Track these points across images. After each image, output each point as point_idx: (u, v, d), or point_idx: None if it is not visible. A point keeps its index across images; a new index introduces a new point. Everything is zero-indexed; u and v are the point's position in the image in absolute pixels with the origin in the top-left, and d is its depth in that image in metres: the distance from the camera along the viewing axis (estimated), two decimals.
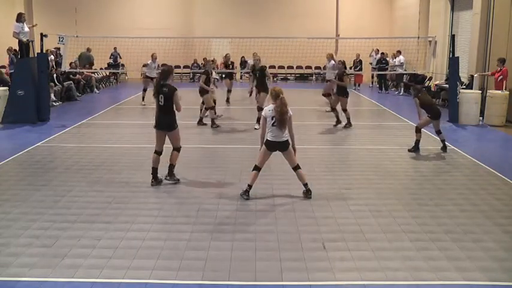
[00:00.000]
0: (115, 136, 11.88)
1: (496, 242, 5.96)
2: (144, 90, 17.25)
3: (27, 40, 14.06)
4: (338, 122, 13.26)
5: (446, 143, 10.55)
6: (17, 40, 13.70)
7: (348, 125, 13.05)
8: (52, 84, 16.74)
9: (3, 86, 14.48)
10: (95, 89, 21.32)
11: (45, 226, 6.28)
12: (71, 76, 19.35)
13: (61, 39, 15.33)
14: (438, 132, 10.58)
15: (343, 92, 13.10)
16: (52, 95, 16.74)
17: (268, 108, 7.16)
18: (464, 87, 15.51)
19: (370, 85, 25.10)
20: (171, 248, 5.69)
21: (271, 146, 7.23)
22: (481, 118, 14.16)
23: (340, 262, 5.39)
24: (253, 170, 7.39)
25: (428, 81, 20.91)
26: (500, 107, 13.83)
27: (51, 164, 9.37)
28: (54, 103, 16.53)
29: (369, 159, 9.92)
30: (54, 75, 17.74)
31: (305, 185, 7.45)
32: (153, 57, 17.28)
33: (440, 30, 20.41)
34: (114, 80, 25.29)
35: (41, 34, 14.17)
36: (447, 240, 5.98)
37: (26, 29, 13.84)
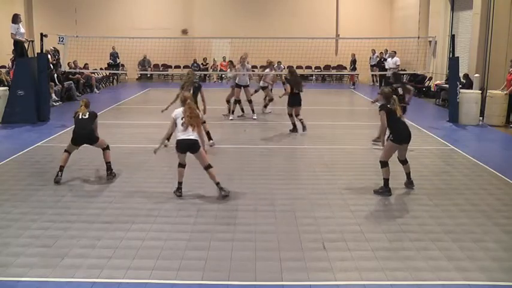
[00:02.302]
0: (115, 136, 11.87)
1: (496, 242, 5.96)
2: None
3: (27, 40, 14.07)
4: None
5: (410, 177, 8.04)
6: (13, 40, 13.72)
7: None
8: (52, 84, 16.74)
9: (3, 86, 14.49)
10: (95, 89, 21.33)
11: (45, 226, 6.29)
12: (71, 76, 19.35)
13: (61, 39, 15.31)
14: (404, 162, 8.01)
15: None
16: (53, 95, 16.75)
17: (178, 111, 7.43)
18: (460, 86, 15.47)
19: (371, 83, 25.30)
20: (171, 248, 5.69)
21: (182, 145, 7.33)
22: (481, 118, 14.16)
23: (340, 262, 5.39)
24: (178, 167, 7.50)
25: (428, 81, 20.93)
26: (500, 107, 13.83)
27: (51, 164, 9.36)
28: (54, 103, 16.54)
29: (369, 159, 9.91)
30: (55, 75, 17.73)
31: (217, 184, 7.47)
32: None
33: (440, 30, 20.41)
34: (115, 80, 25.36)
35: (41, 34, 14.17)
36: (447, 240, 5.98)
37: (22, 30, 13.84)
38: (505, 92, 13.82)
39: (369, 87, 24.59)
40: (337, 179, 8.54)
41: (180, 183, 7.50)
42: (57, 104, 16.92)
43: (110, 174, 8.37)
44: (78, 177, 8.45)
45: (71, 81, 18.85)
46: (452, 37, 15.16)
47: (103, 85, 23.33)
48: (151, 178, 8.52)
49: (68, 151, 8.26)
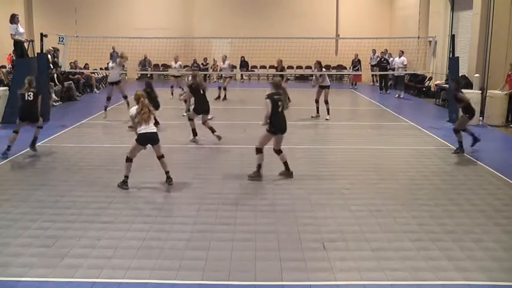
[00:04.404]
0: (115, 136, 11.88)
1: (496, 242, 5.96)
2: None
3: (27, 40, 14.06)
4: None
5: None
6: (13, 41, 13.72)
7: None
8: (52, 84, 16.75)
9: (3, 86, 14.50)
10: (95, 89, 21.33)
11: (45, 226, 6.29)
12: (71, 76, 19.35)
13: (61, 39, 15.32)
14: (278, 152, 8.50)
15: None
16: (53, 95, 16.76)
17: (134, 109, 7.90)
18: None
19: (371, 83, 25.31)
20: (171, 248, 5.69)
21: (145, 139, 7.78)
22: (481, 118, 14.16)
23: (340, 262, 5.39)
24: (126, 161, 7.83)
25: (428, 81, 20.92)
26: (500, 107, 13.83)
27: (51, 164, 9.38)
28: (54, 103, 16.54)
29: (369, 159, 9.92)
30: (55, 75, 17.75)
31: (167, 172, 7.97)
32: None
33: (440, 30, 20.40)
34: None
35: (41, 34, 14.17)
36: (447, 240, 5.98)
37: (21, 29, 13.82)
38: (505, 92, 13.82)
39: (369, 87, 24.59)
40: (337, 179, 8.54)
41: (127, 177, 7.83)
42: (57, 104, 16.92)
43: (33, 148, 9.97)
44: (78, 177, 8.45)
45: (71, 81, 18.85)
46: (452, 37, 15.17)
47: (103, 85, 23.31)
48: (151, 178, 8.51)
49: (17, 131, 9.70)
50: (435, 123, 14.02)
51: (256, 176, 8.33)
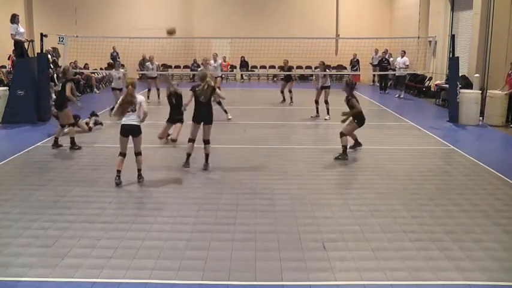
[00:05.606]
0: (114, 136, 11.85)
1: (496, 242, 5.96)
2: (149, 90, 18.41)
3: (27, 40, 14.06)
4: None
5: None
6: (13, 41, 13.72)
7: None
8: (52, 84, 16.73)
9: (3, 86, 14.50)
10: (95, 89, 21.33)
11: (45, 226, 6.29)
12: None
13: (61, 39, 15.33)
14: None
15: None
16: (53, 95, 16.73)
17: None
18: (460, 86, 15.46)
19: (371, 83, 25.31)
20: (171, 248, 5.70)
21: (125, 130, 7.96)
22: (481, 118, 14.16)
23: (340, 262, 5.39)
24: (118, 155, 8.08)
25: (428, 81, 20.91)
26: (500, 107, 13.83)
27: (51, 164, 9.37)
28: (54, 103, 16.52)
29: (369, 159, 9.91)
30: (55, 75, 17.73)
31: (139, 170, 8.20)
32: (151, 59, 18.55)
33: (440, 30, 20.40)
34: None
35: (41, 34, 14.17)
36: (447, 240, 5.98)
37: (21, 29, 13.83)
38: (505, 92, 13.82)
39: (369, 87, 24.59)
40: (337, 179, 8.55)
41: (119, 171, 8.00)
42: None
43: (72, 148, 10.35)
44: (78, 177, 8.45)
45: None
46: (452, 37, 15.17)
47: (103, 85, 23.31)
48: (151, 178, 8.51)
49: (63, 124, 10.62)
50: (435, 123, 14.02)
51: (185, 165, 8.95)
